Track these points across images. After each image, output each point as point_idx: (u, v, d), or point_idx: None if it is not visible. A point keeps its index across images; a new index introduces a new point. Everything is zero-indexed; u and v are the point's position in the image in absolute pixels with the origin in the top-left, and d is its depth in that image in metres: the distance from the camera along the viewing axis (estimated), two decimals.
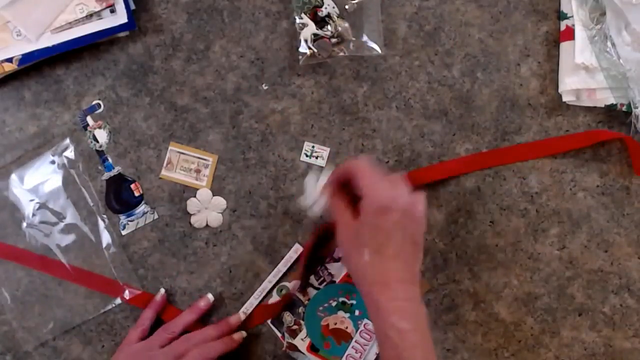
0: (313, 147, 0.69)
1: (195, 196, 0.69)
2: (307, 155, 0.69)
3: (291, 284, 0.69)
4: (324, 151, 0.69)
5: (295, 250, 0.68)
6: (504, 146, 0.68)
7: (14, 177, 0.70)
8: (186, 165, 0.69)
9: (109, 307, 0.69)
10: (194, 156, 0.69)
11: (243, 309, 0.68)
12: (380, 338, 0.55)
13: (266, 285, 0.69)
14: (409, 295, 0.55)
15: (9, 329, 0.70)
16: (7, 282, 0.70)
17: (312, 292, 0.68)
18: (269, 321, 0.69)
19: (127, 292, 0.68)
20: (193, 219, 0.68)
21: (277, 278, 0.69)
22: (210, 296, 0.68)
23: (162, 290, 0.68)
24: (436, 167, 0.68)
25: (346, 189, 0.58)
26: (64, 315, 0.69)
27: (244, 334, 0.68)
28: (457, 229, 0.68)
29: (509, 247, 0.68)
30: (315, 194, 0.61)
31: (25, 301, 0.70)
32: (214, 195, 0.69)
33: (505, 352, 0.68)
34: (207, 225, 0.69)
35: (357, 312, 0.68)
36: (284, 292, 0.69)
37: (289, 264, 0.68)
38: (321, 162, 0.69)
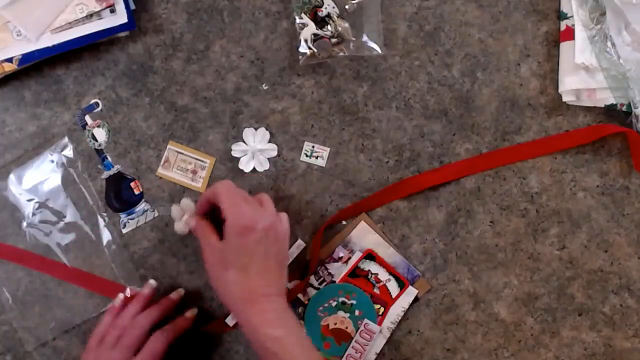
0: (313, 147, 0.69)
1: (178, 204, 0.66)
2: (307, 155, 0.69)
3: (291, 284, 0.68)
4: (324, 151, 0.69)
5: (297, 247, 0.69)
6: (504, 146, 0.68)
7: (13, 176, 0.70)
8: (183, 165, 0.69)
9: (109, 306, 0.69)
10: (192, 157, 0.69)
11: None
12: (260, 352, 0.58)
13: None
14: (275, 306, 0.59)
15: (9, 329, 0.70)
16: (8, 282, 0.70)
17: (312, 292, 0.68)
18: None
19: (127, 290, 0.68)
20: (176, 226, 0.65)
21: None
22: (152, 282, 0.68)
23: (121, 296, 0.68)
24: (438, 171, 0.68)
25: (216, 212, 0.61)
26: (64, 315, 0.69)
27: (195, 310, 0.68)
28: (457, 229, 0.68)
29: (509, 247, 0.68)
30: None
31: (26, 301, 0.70)
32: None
33: (505, 352, 0.68)
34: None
35: (357, 312, 0.68)
36: None
37: (290, 260, 0.69)
38: (321, 162, 0.69)
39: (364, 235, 0.68)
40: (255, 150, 0.68)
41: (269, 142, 0.69)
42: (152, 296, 0.67)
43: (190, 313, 0.67)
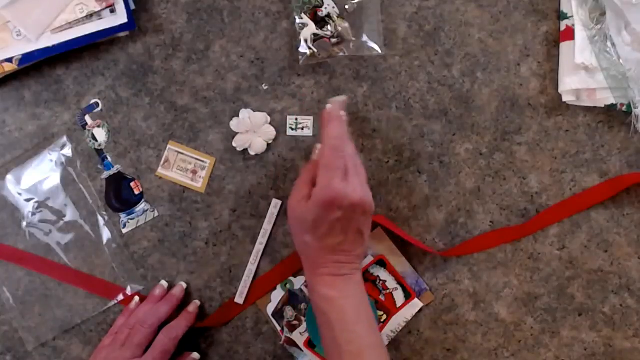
0: (296, 119, 0.69)
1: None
2: (292, 129, 0.69)
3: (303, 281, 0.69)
4: (308, 120, 0.68)
5: (275, 206, 0.69)
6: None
7: (12, 176, 0.70)
8: (183, 165, 0.69)
9: (109, 305, 0.69)
10: (192, 157, 0.69)
11: (244, 277, 0.69)
12: (315, 313, 0.58)
13: (259, 247, 0.69)
14: (338, 271, 0.58)
15: (9, 329, 0.70)
16: (8, 282, 0.70)
17: None
18: (269, 313, 0.69)
19: (129, 288, 0.68)
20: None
21: (266, 239, 0.69)
22: (164, 282, 0.69)
23: (137, 299, 0.68)
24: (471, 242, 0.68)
25: None
26: (64, 314, 0.69)
27: (197, 302, 0.69)
28: (457, 229, 0.68)
29: (509, 247, 0.68)
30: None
31: (26, 301, 0.70)
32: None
33: (505, 352, 0.68)
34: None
35: None
36: (288, 286, 0.68)
37: (273, 221, 0.69)
38: (307, 132, 0.68)
39: (379, 240, 0.68)
40: (252, 129, 0.68)
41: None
42: (163, 297, 0.68)
43: (192, 307, 0.68)
